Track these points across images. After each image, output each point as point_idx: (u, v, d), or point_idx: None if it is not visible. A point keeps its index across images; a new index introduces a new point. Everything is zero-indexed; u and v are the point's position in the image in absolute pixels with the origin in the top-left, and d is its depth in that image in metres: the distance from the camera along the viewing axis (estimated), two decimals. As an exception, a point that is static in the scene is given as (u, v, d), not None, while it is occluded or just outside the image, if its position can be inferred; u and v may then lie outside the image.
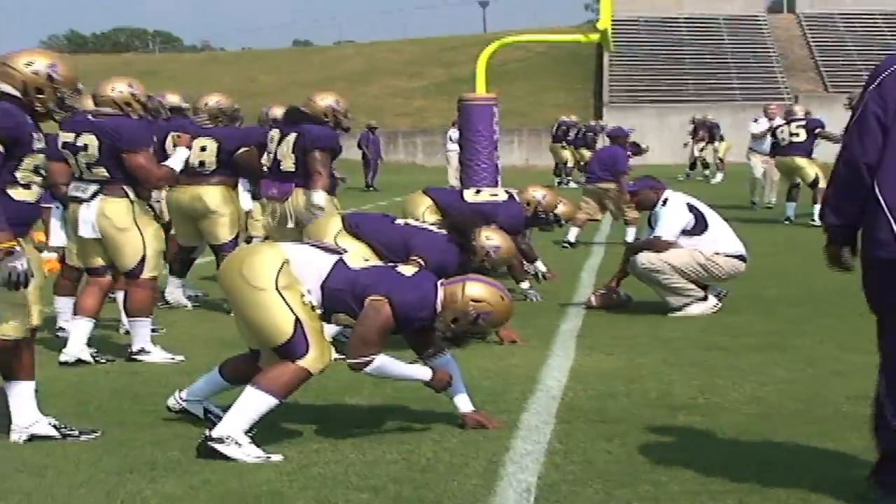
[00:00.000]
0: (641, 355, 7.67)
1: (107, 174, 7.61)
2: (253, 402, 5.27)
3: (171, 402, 6.01)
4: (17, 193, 5.44)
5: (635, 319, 9.24)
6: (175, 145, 8.08)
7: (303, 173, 9.30)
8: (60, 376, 7.33)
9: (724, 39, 53.71)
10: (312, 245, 5.76)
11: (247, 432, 5.26)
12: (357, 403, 6.38)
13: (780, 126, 18.52)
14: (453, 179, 28.08)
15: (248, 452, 5.20)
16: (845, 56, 50.88)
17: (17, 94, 5.57)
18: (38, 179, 5.55)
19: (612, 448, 5.31)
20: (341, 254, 5.63)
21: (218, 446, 5.20)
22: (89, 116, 7.60)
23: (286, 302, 5.31)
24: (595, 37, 15.69)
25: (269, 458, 5.23)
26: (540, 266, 11.10)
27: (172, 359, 7.89)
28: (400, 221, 8.03)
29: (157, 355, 7.87)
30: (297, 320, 5.30)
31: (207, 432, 5.27)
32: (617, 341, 8.24)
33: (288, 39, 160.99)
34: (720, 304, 9.53)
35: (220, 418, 5.44)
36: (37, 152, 5.52)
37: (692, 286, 9.45)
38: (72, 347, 7.73)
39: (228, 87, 56.91)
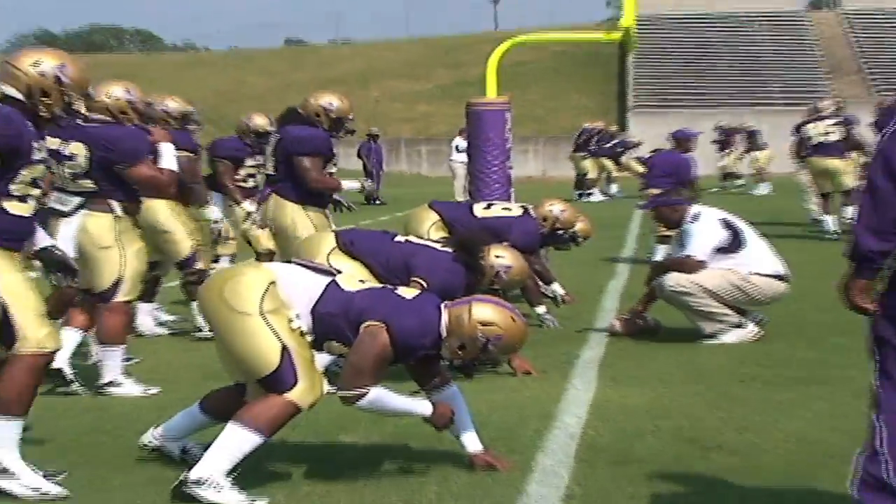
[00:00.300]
0: (670, 388, 7.61)
1: (93, 186, 7.58)
2: (235, 441, 5.21)
3: (145, 439, 5.95)
4: (12, 207, 5.42)
5: (664, 348, 9.18)
6: (154, 145, 7.95)
7: (283, 178, 9.35)
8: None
9: (760, 38, 53.79)
10: (302, 265, 5.70)
11: (228, 474, 5.20)
12: (352, 442, 6.33)
13: (809, 123, 18.17)
14: (460, 193, 28.11)
15: (230, 497, 5.14)
16: (892, 57, 50.92)
17: (21, 97, 5.55)
18: (36, 192, 5.53)
19: (637, 493, 5.25)
20: (334, 275, 5.58)
21: (196, 490, 5.14)
22: (79, 122, 7.53)
23: (272, 328, 5.26)
24: (617, 35, 15.67)
25: (253, 502, 5.16)
26: (557, 288, 11.05)
27: (146, 392, 7.83)
28: (400, 238, 7.98)
29: (129, 388, 7.82)
30: (285, 348, 5.25)
31: (185, 474, 5.21)
32: (643, 372, 8.18)
33: (279, 38, 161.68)
34: (759, 331, 9.47)
35: (199, 458, 5.38)
36: (36, 163, 5.49)
37: (727, 311, 9.39)
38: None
39: (214, 90, 57.08)
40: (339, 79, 55.70)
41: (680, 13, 55.43)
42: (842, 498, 5.06)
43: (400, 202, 28.34)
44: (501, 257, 8.00)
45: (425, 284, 7.26)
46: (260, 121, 12.08)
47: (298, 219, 9.40)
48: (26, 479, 5.36)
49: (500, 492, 5.28)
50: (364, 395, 5.31)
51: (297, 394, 5.24)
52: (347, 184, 9.66)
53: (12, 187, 5.41)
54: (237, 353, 5.34)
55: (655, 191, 14.79)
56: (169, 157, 7.90)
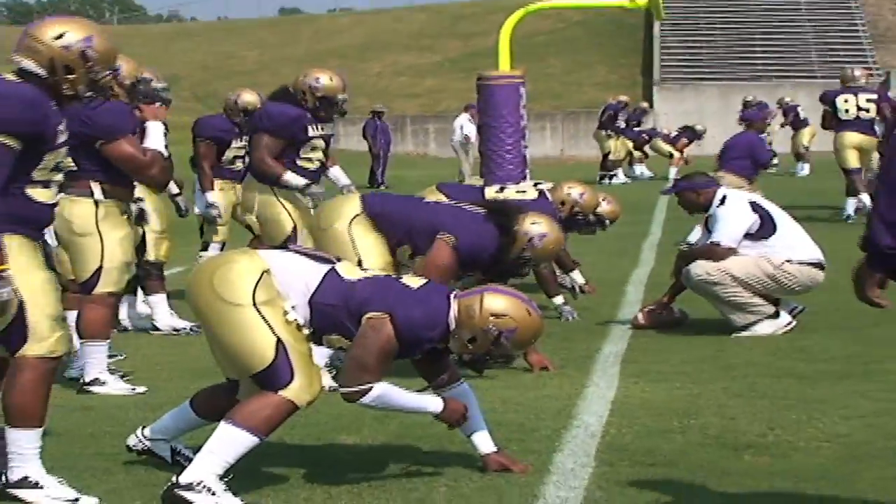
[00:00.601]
0: (699, 384, 7.67)
1: (74, 166, 7.61)
2: (229, 441, 5.28)
3: (132, 441, 6.02)
4: (36, 194, 5.46)
5: (691, 341, 9.23)
6: (142, 123, 7.96)
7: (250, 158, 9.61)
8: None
9: (798, 5, 53.66)
10: (298, 252, 5.77)
11: (221, 477, 5.27)
12: (354, 442, 6.39)
13: (842, 95, 18.17)
14: (468, 176, 28.14)
15: (223, 501, 5.21)
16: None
17: (42, 72, 5.52)
18: (58, 177, 5.58)
19: (663, 496, 5.31)
20: (333, 262, 5.64)
21: (187, 494, 5.21)
22: None
23: (266, 320, 5.33)
24: (643, 2, 15.71)
25: None
26: (577, 278, 11.10)
27: (133, 390, 7.91)
28: (430, 198, 8.04)
29: (114, 386, 7.89)
30: (280, 342, 5.31)
31: (175, 478, 5.28)
32: (669, 368, 8.24)
33: (272, 7, 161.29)
34: (794, 323, 9.52)
35: (190, 461, 5.46)
36: (59, 147, 5.52)
37: (760, 301, 9.44)
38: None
39: (201, 64, 57.14)
40: (337, 51, 55.70)
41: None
42: (883, 500, 5.14)
43: (406, 184, 28.39)
44: (537, 223, 7.99)
45: (452, 240, 7.29)
46: (249, 98, 12.07)
47: (269, 203, 9.55)
48: (54, 491, 5.44)
49: (515, 495, 5.35)
50: (368, 391, 5.38)
51: (294, 391, 5.31)
52: (292, 177, 9.55)
53: (35, 173, 5.44)
54: (229, 348, 5.41)
55: (724, 174, 14.85)
56: (156, 136, 7.87)
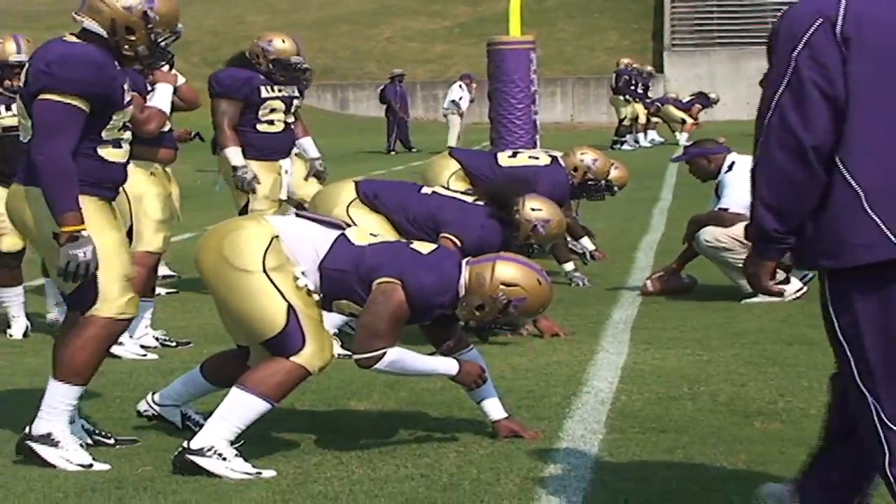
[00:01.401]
0: (709, 351, 7.67)
1: None
2: (240, 407, 5.29)
3: (142, 406, 6.04)
4: (108, 154, 5.51)
5: (701, 308, 9.23)
6: (152, 83, 7.99)
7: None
8: (6, 376, 7.39)
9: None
10: (308, 218, 5.76)
11: (233, 443, 5.28)
12: (365, 409, 6.41)
13: None
14: (454, 141, 28.26)
15: (235, 467, 5.23)
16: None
17: (104, 33, 5.54)
18: (127, 135, 5.64)
19: (674, 462, 5.32)
20: (343, 228, 5.64)
21: (198, 459, 5.23)
22: None
23: (276, 286, 5.33)
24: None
25: (259, 473, 5.25)
26: (587, 244, 11.10)
27: (144, 356, 7.93)
28: (427, 190, 8.02)
29: (128, 349, 7.90)
30: (290, 308, 5.31)
31: (185, 443, 5.30)
32: (679, 334, 8.24)
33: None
34: (805, 289, 9.50)
35: (201, 426, 5.47)
36: (126, 106, 5.59)
37: (770, 267, 9.40)
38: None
39: (211, 29, 57.07)
40: (347, 17, 55.59)
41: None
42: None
43: (435, 146, 28.38)
44: (538, 210, 8.00)
45: (458, 243, 7.31)
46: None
47: (255, 170, 9.61)
48: (73, 455, 5.46)
49: (526, 462, 5.35)
50: (382, 357, 5.38)
51: (306, 357, 5.31)
52: (232, 155, 9.53)
53: (105, 133, 5.49)
54: (240, 315, 5.41)
55: None
56: (161, 97, 8.03)
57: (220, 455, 5.23)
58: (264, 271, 5.34)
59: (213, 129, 9.75)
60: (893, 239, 3.63)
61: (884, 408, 3.74)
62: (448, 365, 5.57)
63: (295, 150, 10.02)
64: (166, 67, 8.12)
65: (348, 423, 6.14)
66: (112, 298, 5.45)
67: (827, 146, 3.67)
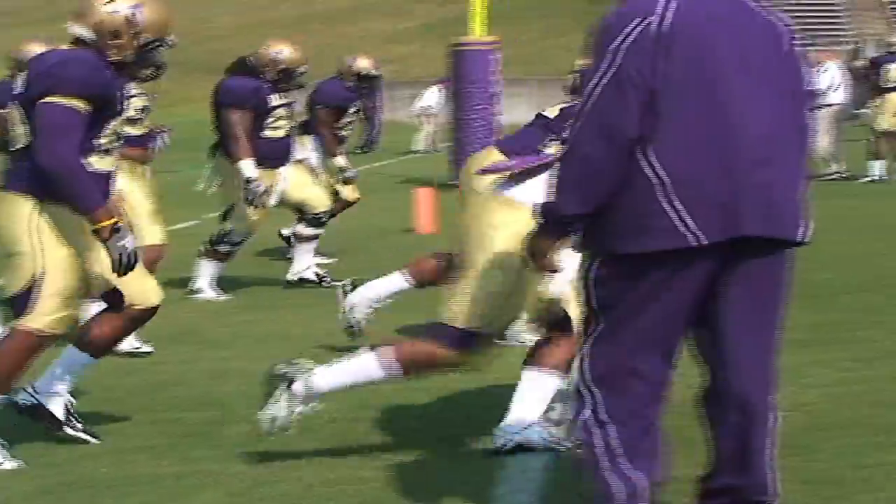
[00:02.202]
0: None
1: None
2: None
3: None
4: (96, 161, 5.53)
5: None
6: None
7: (221, 136, 9.77)
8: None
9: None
10: None
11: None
12: (322, 409, 6.41)
13: (887, 63, 19.15)
14: (420, 143, 28.45)
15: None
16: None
17: (91, 36, 5.58)
18: (117, 145, 5.67)
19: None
20: None
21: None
22: None
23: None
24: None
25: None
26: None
27: (139, 349, 7.91)
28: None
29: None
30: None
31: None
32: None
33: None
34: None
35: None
36: (121, 113, 5.62)
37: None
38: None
39: (176, 29, 56.86)
40: (313, 16, 55.49)
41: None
42: (845, 468, 5.19)
43: (397, 147, 28.51)
44: None
45: None
46: (365, 64, 12.21)
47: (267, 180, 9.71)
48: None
49: (483, 464, 5.37)
50: None
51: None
52: (247, 167, 9.65)
53: (97, 142, 5.52)
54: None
55: None
56: None
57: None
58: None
59: (220, 136, 9.81)
60: (689, 229, 3.78)
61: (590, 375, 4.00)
62: None
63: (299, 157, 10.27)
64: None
65: (305, 423, 6.14)
66: (43, 312, 5.47)
67: (636, 136, 3.81)
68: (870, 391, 6.59)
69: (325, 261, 11.53)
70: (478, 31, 14.88)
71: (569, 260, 5.13)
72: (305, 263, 10.76)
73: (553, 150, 5.69)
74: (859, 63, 20.37)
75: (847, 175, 20.12)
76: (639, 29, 3.83)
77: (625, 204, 3.83)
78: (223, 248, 10.11)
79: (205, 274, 10.09)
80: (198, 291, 10.01)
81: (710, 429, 4.14)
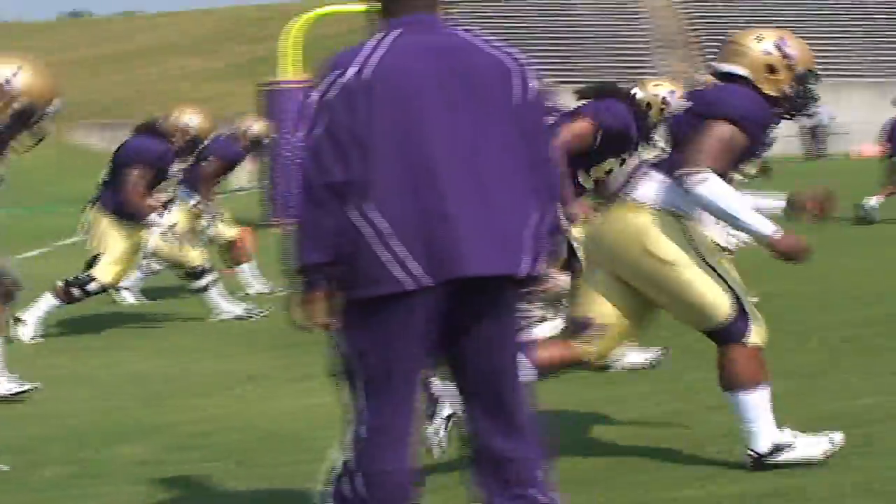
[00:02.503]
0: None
1: None
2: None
3: None
4: None
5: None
6: None
7: (112, 191, 10.01)
8: None
9: (582, 11, 54.39)
10: None
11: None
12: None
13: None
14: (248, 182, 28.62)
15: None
16: (724, 29, 51.89)
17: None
18: None
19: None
20: None
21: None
22: None
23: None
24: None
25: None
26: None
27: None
28: None
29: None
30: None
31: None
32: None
33: (51, 10, 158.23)
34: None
35: None
36: None
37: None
38: None
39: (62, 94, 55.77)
40: (119, 56, 54.94)
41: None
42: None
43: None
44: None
45: None
46: (258, 127, 12.69)
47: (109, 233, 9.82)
48: None
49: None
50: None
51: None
52: (156, 221, 9.95)
53: None
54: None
55: None
56: None
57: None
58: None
59: (104, 190, 10.07)
60: (408, 274, 3.91)
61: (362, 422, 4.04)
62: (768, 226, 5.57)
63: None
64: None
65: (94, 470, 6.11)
66: None
67: (354, 185, 3.91)
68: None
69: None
70: (287, 71, 14.91)
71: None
72: (225, 306, 10.98)
73: None
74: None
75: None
76: (342, 80, 3.93)
77: (354, 251, 3.94)
78: (76, 293, 10.17)
79: (40, 309, 10.08)
80: (21, 323, 9.92)
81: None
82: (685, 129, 5.65)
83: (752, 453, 5.49)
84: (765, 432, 5.48)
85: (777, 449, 5.48)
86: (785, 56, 5.76)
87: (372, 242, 3.92)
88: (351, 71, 3.94)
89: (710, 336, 5.55)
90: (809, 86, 5.83)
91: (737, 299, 5.49)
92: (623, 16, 54.27)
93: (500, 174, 4.02)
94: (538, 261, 4.07)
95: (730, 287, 5.50)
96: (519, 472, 4.10)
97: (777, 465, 5.44)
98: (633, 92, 9.33)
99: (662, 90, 9.61)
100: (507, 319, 4.10)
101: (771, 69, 5.74)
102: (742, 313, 5.49)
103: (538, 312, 9.53)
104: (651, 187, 5.61)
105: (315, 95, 3.96)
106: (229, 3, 68.43)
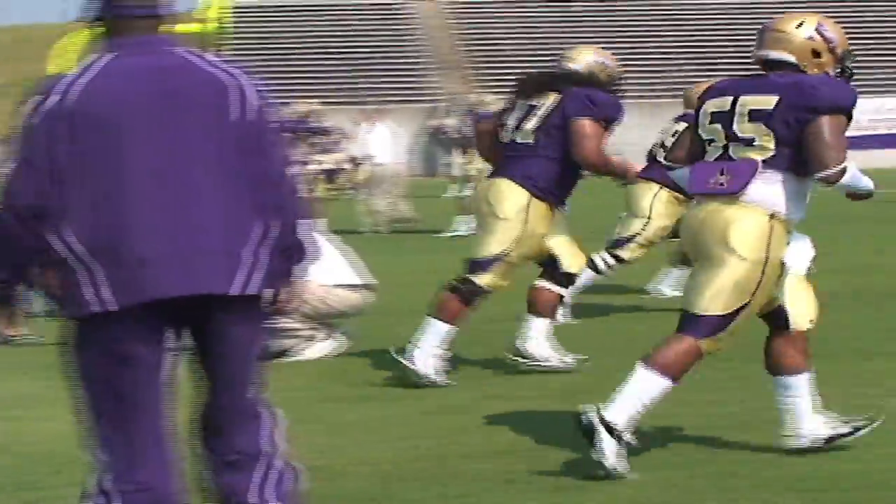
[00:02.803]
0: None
1: None
2: None
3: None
4: None
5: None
6: None
7: None
8: None
9: (361, 31, 54.26)
10: None
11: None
12: None
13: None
14: None
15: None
16: (494, 50, 52.05)
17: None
18: None
19: None
20: None
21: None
22: None
23: None
24: (212, 27, 15.67)
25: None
26: None
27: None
28: None
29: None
30: None
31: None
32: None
33: None
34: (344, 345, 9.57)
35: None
36: None
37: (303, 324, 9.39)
38: None
39: None
40: None
41: (270, 3, 54.77)
42: None
43: None
44: None
45: None
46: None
47: None
48: None
49: None
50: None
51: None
52: None
53: None
54: None
55: None
56: None
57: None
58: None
59: None
60: (100, 297, 3.97)
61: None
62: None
63: None
64: None
65: None
66: None
67: (51, 209, 3.97)
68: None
69: None
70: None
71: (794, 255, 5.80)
72: None
73: None
74: (436, 122, 20.74)
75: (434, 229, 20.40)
76: (44, 107, 3.97)
77: (63, 273, 3.99)
78: None
79: None
80: None
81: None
82: (791, 126, 5.83)
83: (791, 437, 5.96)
84: (806, 416, 5.93)
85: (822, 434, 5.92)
86: (826, 40, 6.02)
87: (73, 265, 3.96)
88: (53, 98, 3.96)
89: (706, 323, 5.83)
90: (847, 66, 6.10)
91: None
92: (402, 35, 54.22)
93: (209, 193, 4.02)
94: (267, 279, 4.08)
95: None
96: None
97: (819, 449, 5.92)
98: (572, 69, 9.05)
99: (594, 56, 9.33)
100: (235, 338, 4.10)
101: (816, 54, 6.00)
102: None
103: (306, 332, 9.38)
104: (764, 189, 5.83)
105: (23, 119, 3.99)
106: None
